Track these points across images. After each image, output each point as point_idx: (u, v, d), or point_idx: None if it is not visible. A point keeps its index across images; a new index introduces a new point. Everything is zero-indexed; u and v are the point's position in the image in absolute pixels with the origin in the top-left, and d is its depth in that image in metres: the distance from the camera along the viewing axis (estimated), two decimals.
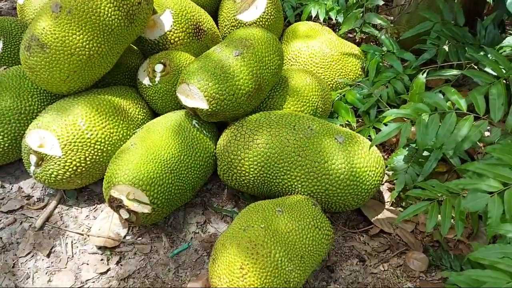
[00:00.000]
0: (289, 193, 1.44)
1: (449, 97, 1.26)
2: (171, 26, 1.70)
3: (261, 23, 1.89)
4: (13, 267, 1.37)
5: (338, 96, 1.86)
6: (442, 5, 1.80)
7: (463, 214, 1.09)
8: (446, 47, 1.74)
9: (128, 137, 1.55)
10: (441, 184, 1.20)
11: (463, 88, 1.84)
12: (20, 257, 1.40)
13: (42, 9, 1.45)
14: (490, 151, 1.10)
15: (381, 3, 1.91)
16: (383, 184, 1.68)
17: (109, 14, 1.43)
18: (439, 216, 1.19)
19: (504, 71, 1.30)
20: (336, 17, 2.07)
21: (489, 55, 1.39)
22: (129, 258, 1.41)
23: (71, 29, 1.40)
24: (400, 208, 1.59)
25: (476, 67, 1.66)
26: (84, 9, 1.40)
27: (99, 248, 1.43)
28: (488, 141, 1.29)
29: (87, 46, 1.43)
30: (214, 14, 2.04)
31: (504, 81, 1.27)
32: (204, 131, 1.55)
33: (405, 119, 1.31)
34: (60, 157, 1.41)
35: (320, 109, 1.71)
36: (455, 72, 1.53)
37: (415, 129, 1.26)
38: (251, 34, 1.56)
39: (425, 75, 1.49)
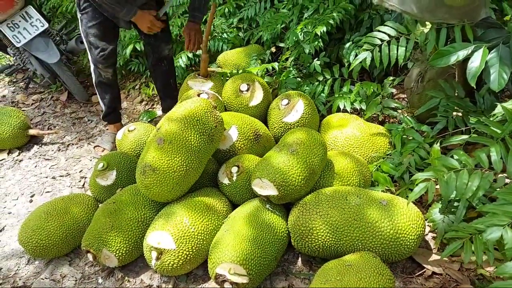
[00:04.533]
0: (352, 251, 1.82)
1: (459, 158, 1.68)
2: (237, 137, 2.24)
3: (302, 121, 2.40)
4: None
5: (375, 168, 2.29)
6: (444, 84, 2.27)
7: (486, 246, 1.45)
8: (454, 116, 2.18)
9: (219, 226, 2.01)
10: (469, 225, 1.57)
11: (477, 145, 2.24)
12: None
13: (148, 143, 2.01)
14: (497, 195, 1.49)
15: (394, 91, 2.40)
16: (427, 234, 2.03)
17: (196, 139, 1.98)
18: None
19: (499, 132, 1.72)
20: (360, 106, 2.57)
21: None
22: None
23: (172, 154, 1.94)
24: None
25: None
26: (180, 138, 1.95)
27: None
28: (496, 188, 1.66)
29: (184, 164, 1.96)
30: (264, 119, 2.59)
31: (501, 141, 1.68)
32: (276, 212, 2.00)
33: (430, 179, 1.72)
34: (174, 249, 1.88)
35: (362, 181, 2.14)
36: (463, 137, 1.95)
37: (439, 186, 1.66)
38: (299, 134, 2.06)
39: (438, 144, 1.91)
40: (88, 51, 2.83)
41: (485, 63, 1.85)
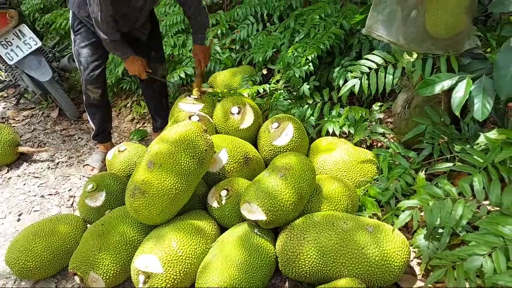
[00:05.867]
0: (339, 277, 1.84)
1: (443, 187, 1.72)
2: (227, 160, 2.26)
3: (291, 145, 2.44)
4: None
5: (362, 192, 2.32)
6: (430, 111, 2.32)
7: (467, 274, 1.48)
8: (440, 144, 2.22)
9: (207, 250, 2.02)
10: (451, 253, 1.60)
11: (462, 171, 2.28)
12: None
13: (139, 166, 2.03)
14: (479, 224, 1.53)
15: (381, 116, 2.45)
16: (412, 260, 2.06)
17: (187, 163, 2.00)
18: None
19: (481, 161, 1.76)
20: (348, 130, 2.62)
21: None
22: None
23: (162, 177, 1.96)
24: None
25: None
26: (170, 162, 1.97)
27: None
28: (479, 217, 1.70)
29: (173, 187, 1.97)
30: (254, 142, 2.61)
31: (484, 170, 1.73)
32: (265, 237, 2.01)
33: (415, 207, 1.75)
34: (162, 273, 1.88)
35: (350, 206, 2.17)
36: (448, 165, 1.99)
37: (424, 214, 1.70)
38: (288, 159, 2.10)
39: (423, 172, 1.96)
40: (79, 71, 2.88)
41: (469, 93, 1.91)
